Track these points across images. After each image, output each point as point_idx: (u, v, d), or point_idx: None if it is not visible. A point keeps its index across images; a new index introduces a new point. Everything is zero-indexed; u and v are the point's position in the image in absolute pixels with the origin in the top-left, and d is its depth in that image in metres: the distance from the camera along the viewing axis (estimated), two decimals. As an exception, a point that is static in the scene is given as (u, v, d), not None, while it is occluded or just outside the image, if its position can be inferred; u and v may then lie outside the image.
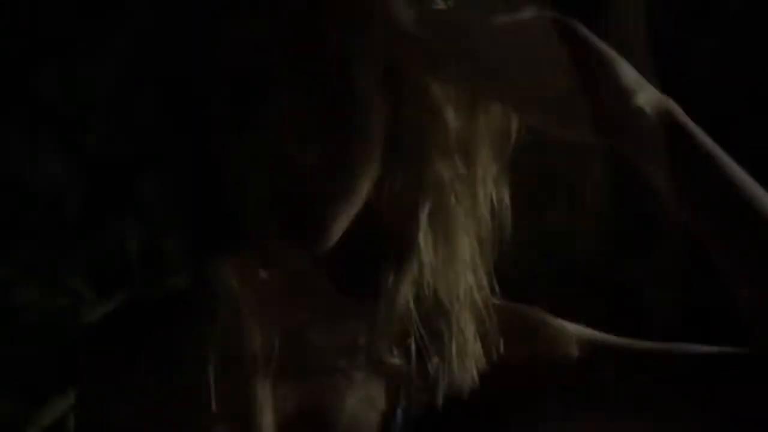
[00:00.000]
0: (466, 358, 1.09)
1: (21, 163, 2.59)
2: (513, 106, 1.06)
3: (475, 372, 1.09)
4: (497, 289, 1.13)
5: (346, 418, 1.10)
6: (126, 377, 1.16)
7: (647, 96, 1.02)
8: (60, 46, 2.60)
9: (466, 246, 1.09)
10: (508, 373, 1.11)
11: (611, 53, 1.02)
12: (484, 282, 1.11)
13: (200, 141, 1.07)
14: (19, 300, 2.55)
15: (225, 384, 1.10)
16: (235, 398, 1.11)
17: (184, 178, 1.11)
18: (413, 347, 1.09)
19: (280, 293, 1.12)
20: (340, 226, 1.05)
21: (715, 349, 1.08)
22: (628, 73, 1.02)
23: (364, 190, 1.06)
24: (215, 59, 1.05)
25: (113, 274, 2.55)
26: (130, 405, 1.15)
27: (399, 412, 1.10)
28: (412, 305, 1.08)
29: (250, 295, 1.12)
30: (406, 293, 1.08)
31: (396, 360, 1.09)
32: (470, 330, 1.10)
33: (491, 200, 1.10)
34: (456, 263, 1.09)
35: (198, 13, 1.06)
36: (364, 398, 1.11)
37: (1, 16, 2.59)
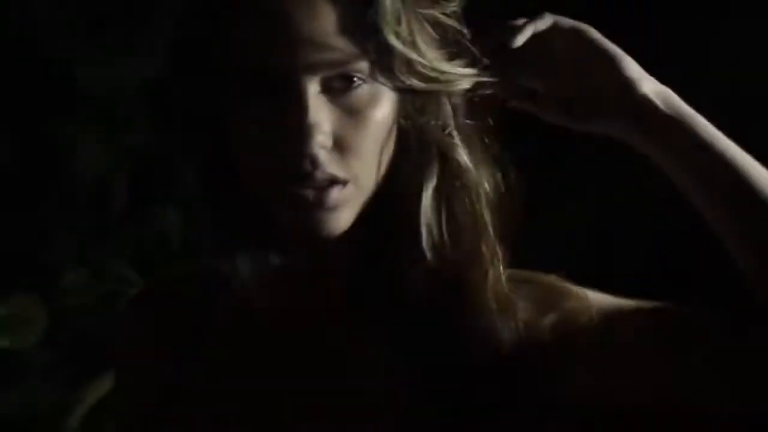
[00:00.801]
0: (484, 329, 1.12)
1: (70, 156, 2.65)
2: (537, 105, 1.13)
3: (494, 343, 1.11)
4: (517, 259, 1.15)
5: (367, 389, 1.13)
6: (147, 359, 1.20)
7: (650, 86, 1.09)
8: (105, 43, 2.65)
9: (479, 225, 1.12)
10: (529, 343, 1.13)
11: (618, 51, 1.10)
12: (501, 256, 1.13)
13: (214, 137, 1.10)
14: (67, 285, 2.59)
15: (234, 371, 1.14)
16: (244, 388, 1.14)
17: (202, 172, 1.14)
18: (430, 322, 1.12)
19: (294, 282, 1.15)
20: (349, 213, 1.08)
21: (723, 309, 1.11)
22: (633, 67, 1.10)
23: (373, 177, 1.09)
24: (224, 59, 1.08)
25: (157, 260, 2.60)
26: (154, 386, 1.18)
27: (423, 382, 1.12)
28: (426, 284, 1.11)
29: (264, 284, 1.14)
30: (419, 274, 1.11)
31: (415, 334, 1.12)
32: (487, 303, 1.12)
33: (503, 181, 1.14)
34: (469, 241, 1.12)
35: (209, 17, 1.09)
36: (386, 369, 1.13)
37: (51, 16, 2.64)
